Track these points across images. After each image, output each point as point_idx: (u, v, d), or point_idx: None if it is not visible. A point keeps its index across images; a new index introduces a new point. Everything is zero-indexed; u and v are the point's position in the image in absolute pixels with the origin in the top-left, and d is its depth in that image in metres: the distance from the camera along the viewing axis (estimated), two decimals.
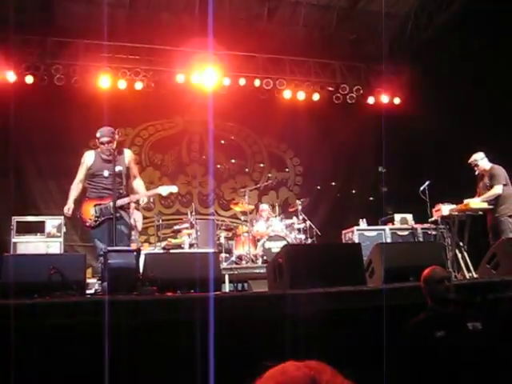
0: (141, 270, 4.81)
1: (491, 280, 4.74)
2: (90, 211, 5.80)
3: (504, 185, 7.33)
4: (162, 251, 8.71)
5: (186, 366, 3.70)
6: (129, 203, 6.08)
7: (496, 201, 7.31)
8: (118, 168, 5.80)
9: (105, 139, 5.81)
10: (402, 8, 11.57)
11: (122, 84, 10.91)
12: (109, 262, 4.41)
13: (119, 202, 5.76)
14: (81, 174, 6.04)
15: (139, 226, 9.11)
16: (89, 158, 5.99)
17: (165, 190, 6.24)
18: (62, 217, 8.88)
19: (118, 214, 5.69)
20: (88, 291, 6.44)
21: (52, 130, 10.84)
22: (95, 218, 5.77)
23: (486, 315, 3.74)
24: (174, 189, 6.35)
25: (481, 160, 7.63)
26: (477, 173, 7.67)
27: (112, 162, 5.71)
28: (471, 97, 9.68)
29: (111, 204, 5.65)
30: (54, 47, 10.51)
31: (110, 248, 4.67)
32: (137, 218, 8.88)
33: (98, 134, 5.90)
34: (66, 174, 10.92)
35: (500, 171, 7.41)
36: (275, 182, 12.59)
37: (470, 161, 7.71)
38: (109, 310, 3.55)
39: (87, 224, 5.82)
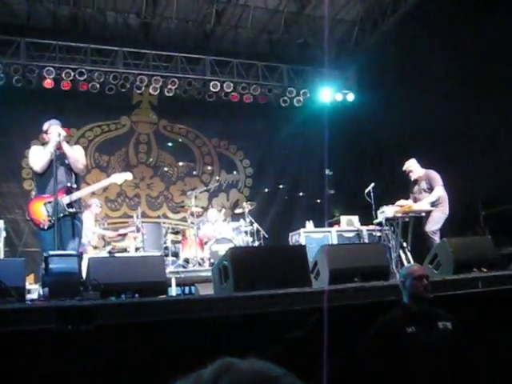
0: (84, 275, 4.71)
1: (432, 280, 4.86)
2: (40, 211, 5.39)
3: (441, 185, 7.63)
4: (106, 255, 8.55)
5: (131, 372, 3.65)
6: (80, 198, 5.75)
7: (433, 202, 7.60)
8: (67, 161, 5.57)
9: (55, 127, 5.56)
10: (348, 14, 11.80)
11: (66, 84, 10.64)
12: (50, 266, 4.29)
13: (71, 197, 5.48)
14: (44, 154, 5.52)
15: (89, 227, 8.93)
16: (39, 150, 5.62)
17: (119, 177, 5.99)
18: (2, 221, 8.58)
19: (72, 210, 5.45)
20: (30, 296, 6.25)
21: None
22: (48, 217, 5.36)
23: None
24: (128, 176, 6.09)
25: (415, 165, 7.97)
26: (412, 178, 7.95)
27: (60, 154, 5.45)
28: (417, 99, 9.94)
29: (64, 200, 5.40)
30: None
31: (51, 252, 4.53)
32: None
33: (45, 127, 5.67)
34: (6, 176, 10.69)
35: (436, 174, 7.76)
36: (224, 184, 12.60)
37: (404, 168, 8.04)
38: (50, 317, 3.46)
39: (41, 226, 5.38)
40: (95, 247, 9.37)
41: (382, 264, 5.40)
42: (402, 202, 7.86)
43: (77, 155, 5.75)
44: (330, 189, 11.70)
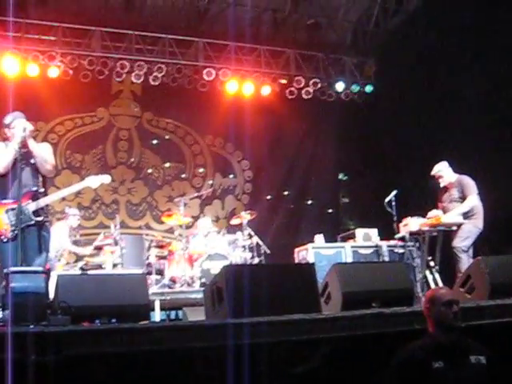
0: (51, 295, 4.71)
1: (465, 306, 4.86)
2: (1, 219, 5.36)
3: (476, 194, 7.62)
4: (78, 272, 8.56)
5: None
6: (48, 205, 5.74)
7: (465, 213, 7.57)
8: (33, 160, 5.56)
9: (20, 121, 5.55)
10: None
11: (34, 70, 10.68)
12: (11, 285, 4.29)
13: (38, 204, 5.47)
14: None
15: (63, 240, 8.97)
16: (0, 148, 5.59)
17: (94, 180, 5.97)
18: None
19: (39, 219, 5.43)
20: None
21: None
22: (11, 227, 5.32)
23: None
24: (105, 178, 6.08)
25: (446, 170, 7.92)
26: (442, 185, 7.93)
27: (25, 153, 5.41)
28: (449, 93, 9.92)
29: (29, 207, 5.38)
30: None
31: (13, 268, 4.54)
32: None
33: (7, 120, 5.67)
34: None
35: (470, 181, 7.72)
36: (219, 189, 12.61)
37: (433, 173, 8.01)
38: (12, 345, 3.46)
39: (1, 237, 5.32)
40: (66, 263, 9.38)
41: (405, 286, 5.41)
42: (434, 212, 7.81)
43: (44, 154, 5.75)
44: (343, 196, 11.76)
